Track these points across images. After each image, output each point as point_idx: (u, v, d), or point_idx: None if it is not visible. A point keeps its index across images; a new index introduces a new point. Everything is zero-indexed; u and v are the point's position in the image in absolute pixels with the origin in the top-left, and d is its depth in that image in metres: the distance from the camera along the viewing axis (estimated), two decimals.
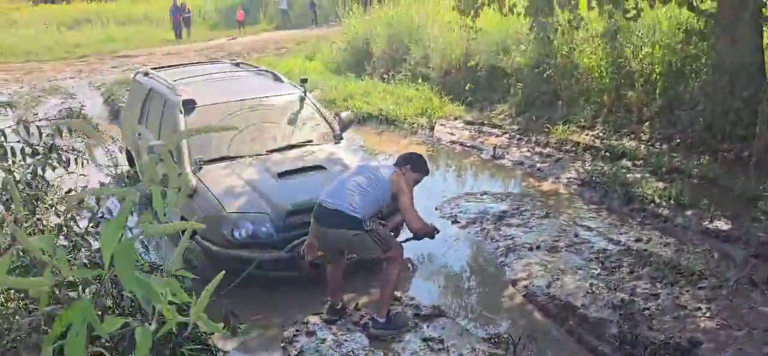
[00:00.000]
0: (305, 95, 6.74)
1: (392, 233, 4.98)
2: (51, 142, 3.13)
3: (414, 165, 4.56)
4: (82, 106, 12.97)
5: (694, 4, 7.77)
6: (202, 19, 31.04)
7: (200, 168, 5.70)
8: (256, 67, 8.24)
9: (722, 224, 5.75)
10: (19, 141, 3.16)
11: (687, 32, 8.21)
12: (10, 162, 2.90)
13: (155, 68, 8.28)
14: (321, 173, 5.51)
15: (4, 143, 3.05)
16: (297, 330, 4.43)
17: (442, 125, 10.32)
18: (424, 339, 4.27)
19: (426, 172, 4.69)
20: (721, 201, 6.18)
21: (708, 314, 4.22)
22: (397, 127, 10.52)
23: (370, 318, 4.43)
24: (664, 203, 6.29)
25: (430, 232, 4.51)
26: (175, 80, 6.88)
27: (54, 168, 3.11)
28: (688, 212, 6.07)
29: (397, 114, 10.76)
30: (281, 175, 5.50)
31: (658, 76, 8.42)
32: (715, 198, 6.26)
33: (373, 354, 4.06)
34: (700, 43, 8.09)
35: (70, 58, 22.82)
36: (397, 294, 4.90)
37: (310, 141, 6.33)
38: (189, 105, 6.18)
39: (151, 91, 7.11)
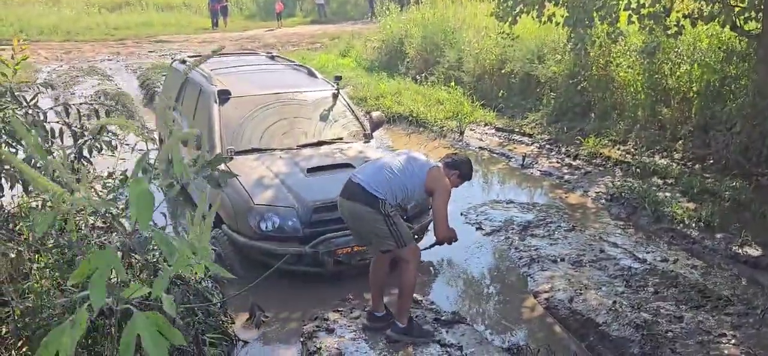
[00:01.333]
0: (338, 92, 6.79)
1: (416, 239, 4.90)
2: (100, 125, 3.21)
3: (461, 172, 4.39)
4: (119, 89, 13.22)
5: (738, 24, 7.63)
6: (239, 10, 31.38)
7: (231, 158, 5.79)
8: (292, 61, 8.32)
9: (752, 250, 5.65)
10: (58, 122, 3.25)
11: (728, 52, 8.06)
12: (50, 144, 2.99)
13: (193, 57, 8.42)
14: (349, 171, 5.53)
15: (46, 124, 3.14)
16: (317, 326, 4.47)
17: (471, 130, 10.29)
18: (443, 345, 4.27)
19: (469, 179, 4.54)
20: (753, 227, 6.07)
21: (733, 341, 4.15)
22: (427, 129, 10.51)
23: (391, 322, 4.37)
24: (694, 225, 6.20)
25: (452, 239, 4.33)
26: (211, 70, 6.98)
27: (100, 150, 3.16)
28: (718, 236, 5.97)
29: (427, 116, 10.76)
30: (310, 171, 5.56)
31: (695, 95, 8.28)
32: (747, 223, 6.14)
33: (392, 355, 4.08)
34: (740, 64, 7.94)
35: (108, 40, 23.31)
36: (419, 297, 4.91)
37: (341, 139, 6.38)
38: (223, 95, 6.28)
39: (187, 79, 7.22)
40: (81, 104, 3.10)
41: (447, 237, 4.29)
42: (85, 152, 3.00)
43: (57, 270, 2.57)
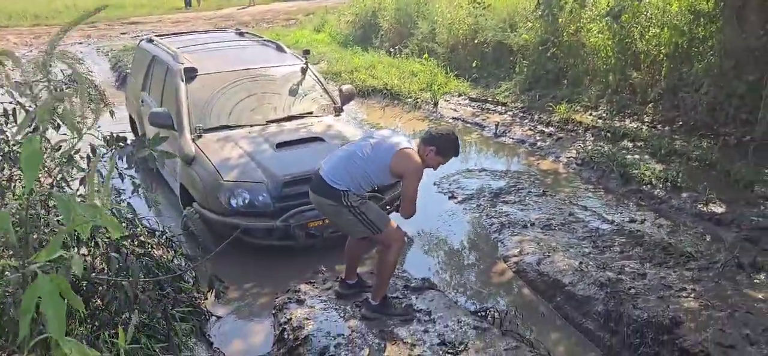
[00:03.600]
0: (307, 66, 6.76)
1: (387, 210, 4.85)
2: (53, 103, 3.17)
3: (440, 148, 3.94)
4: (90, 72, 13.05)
5: None
6: None
7: (200, 136, 5.77)
8: (260, 37, 8.26)
9: (716, 208, 5.77)
10: (11, 102, 3.22)
11: (695, 14, 8.14)
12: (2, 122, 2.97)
13: (160, 36, 8.32)
14: (319, 145, 5.56)
15: None
16: (288, 298, 4.51)
17: (446, 101, 10.31)
18: (412, 311, 4.32)
19: (455, 154, 4.05)
20: (718, 185, 6.19)
21: (693, 294, 4.26)
22: (401, 101, 10.52)
23: (365, 298, 4.31)
24: (661, 185, 6.31)
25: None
26: (177, 48, 6.92)
27: (57, 128, 3.12)
28: (684, 195, 6.09)
29: (401, 89, 10.75)
30: (279, 146, 5.56)
31: (664, 58, 8.37)
32: (713, 182, 6.27)
33: (360, 322, 4.13)
34: (708, 26, 8.02)
35: (79, 23, 22.86)
36: None
37: (311, 113, 6.37)
38: (190, 73, 6.23)
39: (154, 58, 7.16)
40: (34, 82, 3.07)
41: (411, 216, 4.11)
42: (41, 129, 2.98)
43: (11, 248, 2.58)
